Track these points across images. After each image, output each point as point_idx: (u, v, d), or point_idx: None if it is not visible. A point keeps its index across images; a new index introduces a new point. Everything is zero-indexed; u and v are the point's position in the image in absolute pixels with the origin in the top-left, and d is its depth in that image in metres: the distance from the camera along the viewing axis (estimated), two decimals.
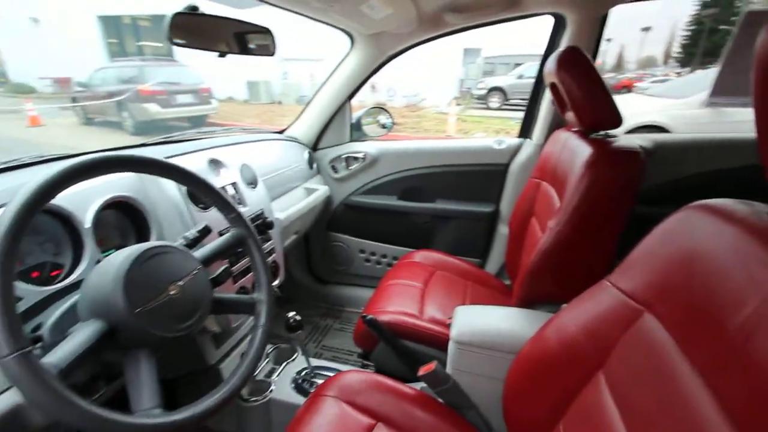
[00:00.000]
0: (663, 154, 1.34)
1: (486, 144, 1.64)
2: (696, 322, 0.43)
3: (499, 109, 11.32)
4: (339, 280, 1.98)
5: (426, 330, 1.07)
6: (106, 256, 0.69)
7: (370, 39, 1.50)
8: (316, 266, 1.99)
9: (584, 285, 0.63)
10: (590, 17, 1.29)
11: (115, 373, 0.70)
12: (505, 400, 0.70)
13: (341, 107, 1.73)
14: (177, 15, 0.90)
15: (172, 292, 0.61)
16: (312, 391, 0.97)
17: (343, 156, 1.78)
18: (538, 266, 0.95)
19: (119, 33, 14.03)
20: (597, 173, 0.86)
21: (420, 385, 0.88)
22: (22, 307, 0.61)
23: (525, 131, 1.61)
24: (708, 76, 4.62)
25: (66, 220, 0.73)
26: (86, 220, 0.74)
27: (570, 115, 1.02)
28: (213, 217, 0.96)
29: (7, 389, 0.60)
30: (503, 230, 1.61)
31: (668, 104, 4.66)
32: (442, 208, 1.69)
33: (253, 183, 1.23)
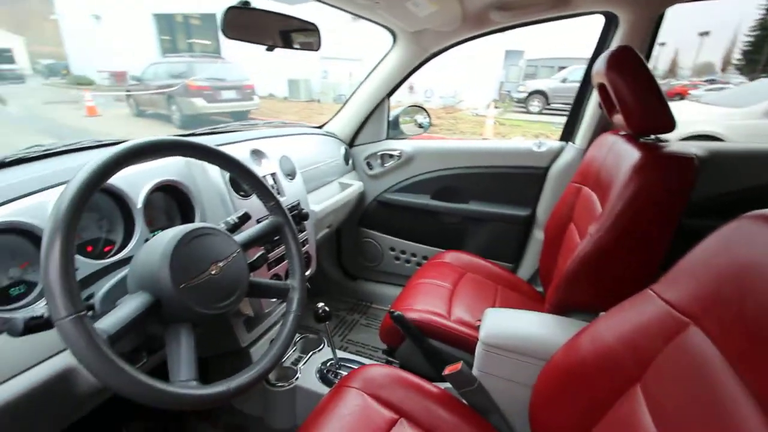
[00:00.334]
0: (717, 163, 1.25)
1: (525, 146, 1.60)
2: (749, 339, 0.40)
3: (539, 113, 11.01)
4: (368, 277, 2.00)
5: (453, 331, 1.06)
6: (154, 235, 0.74)
7: (412, 36, 1.50)
8: (346, 261, 2.02)
9: (623, 294, 0.61)
10: (645, 17, 1.23)
11: (156, 347, 0.74)
12: (532, 407, 0.69)
13: (380, 104, 1.75)
14: (230, 9, 0.95)
15: (213, 272, 0.64)
16: (336, 381, 0.99)
17: (379, 153, 1.79)
18: (575, 272, 0.91)
19: (172, 30, 14.80)
20: (645, 178, 0.82)
21: (444, 385, 0.87)
22: (77, 277, 0.66)
23: (567, 134, 1.56)
24: None
25: (120, 200, 0.78)
26: (138, 200, 0.79)
27: (618, 118, 0.97)
28: (252, 204, 1.00)
29: (58, 353, 0.65)
30: (538, 235, 1.56)
31: (725, 113, 4.37)
32: (476, 209, 1.67)
33: (291, 174, 1.26)
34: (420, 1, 1.14)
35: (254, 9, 0.98)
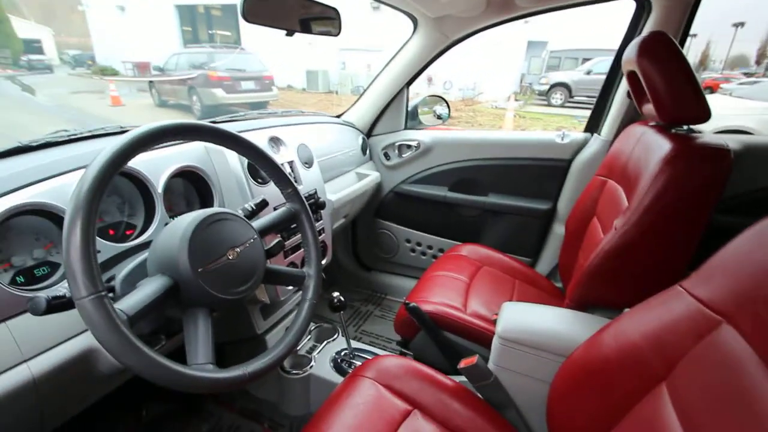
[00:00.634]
0: (753, 158, 1.19)
1: (547, 137, 1.55)
2: None
3: (561, 106, 10.74)
4: (383, 268, 1.99)
5: (469, 324, 1.05)
6: (173, 220, 0.74)
7: (434, 23, 1.47)
8: (362, 252, 2.02)
9: (647, 291, 0.59)
10: (680, 2, 1.16)
11: (174, 330, 0.75)
12: (550, 404, 0.67)
13: (398, 94, 1.72)
14: None
15: (230, 257, 0.64)
16: (350, 371, 0.99)
17: (397, 144, 1.77)
18: (598, 267, 0.88)
19: (193, 21, 15.01)
20: (676, 170, 0.78)
21: (459, 379, 0.86)
22: (100, 259, 0.67)
23: (593, 126, 1.50)
24: None
25: (142, 185, 0.80)
26: (159, 185, 0.81)
27: (648, 108, 0.93)
28: (270, 192, 1.00)
29: (79, 334, 0.67)
30: (559, 230, 1.52)
31: (759, 107, 4.18)
32: (495, 202, 1.63)
33: (308, 163, 1.26)
34: None
35: None
